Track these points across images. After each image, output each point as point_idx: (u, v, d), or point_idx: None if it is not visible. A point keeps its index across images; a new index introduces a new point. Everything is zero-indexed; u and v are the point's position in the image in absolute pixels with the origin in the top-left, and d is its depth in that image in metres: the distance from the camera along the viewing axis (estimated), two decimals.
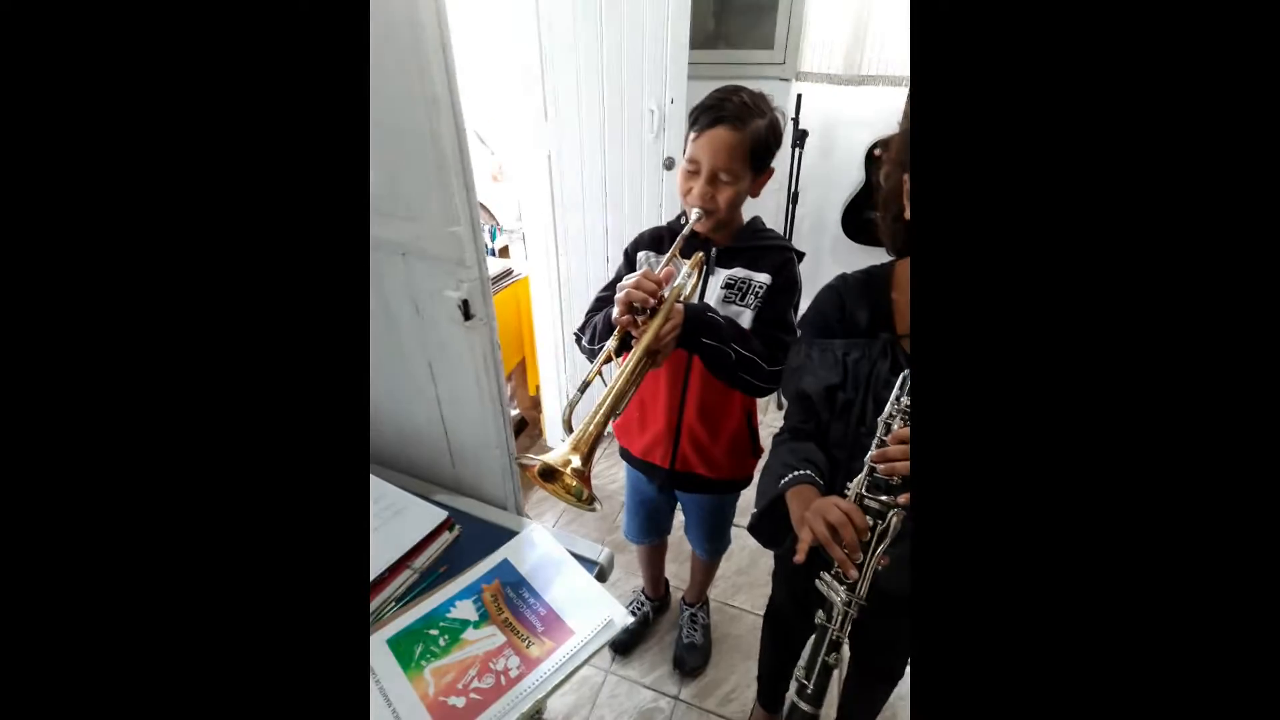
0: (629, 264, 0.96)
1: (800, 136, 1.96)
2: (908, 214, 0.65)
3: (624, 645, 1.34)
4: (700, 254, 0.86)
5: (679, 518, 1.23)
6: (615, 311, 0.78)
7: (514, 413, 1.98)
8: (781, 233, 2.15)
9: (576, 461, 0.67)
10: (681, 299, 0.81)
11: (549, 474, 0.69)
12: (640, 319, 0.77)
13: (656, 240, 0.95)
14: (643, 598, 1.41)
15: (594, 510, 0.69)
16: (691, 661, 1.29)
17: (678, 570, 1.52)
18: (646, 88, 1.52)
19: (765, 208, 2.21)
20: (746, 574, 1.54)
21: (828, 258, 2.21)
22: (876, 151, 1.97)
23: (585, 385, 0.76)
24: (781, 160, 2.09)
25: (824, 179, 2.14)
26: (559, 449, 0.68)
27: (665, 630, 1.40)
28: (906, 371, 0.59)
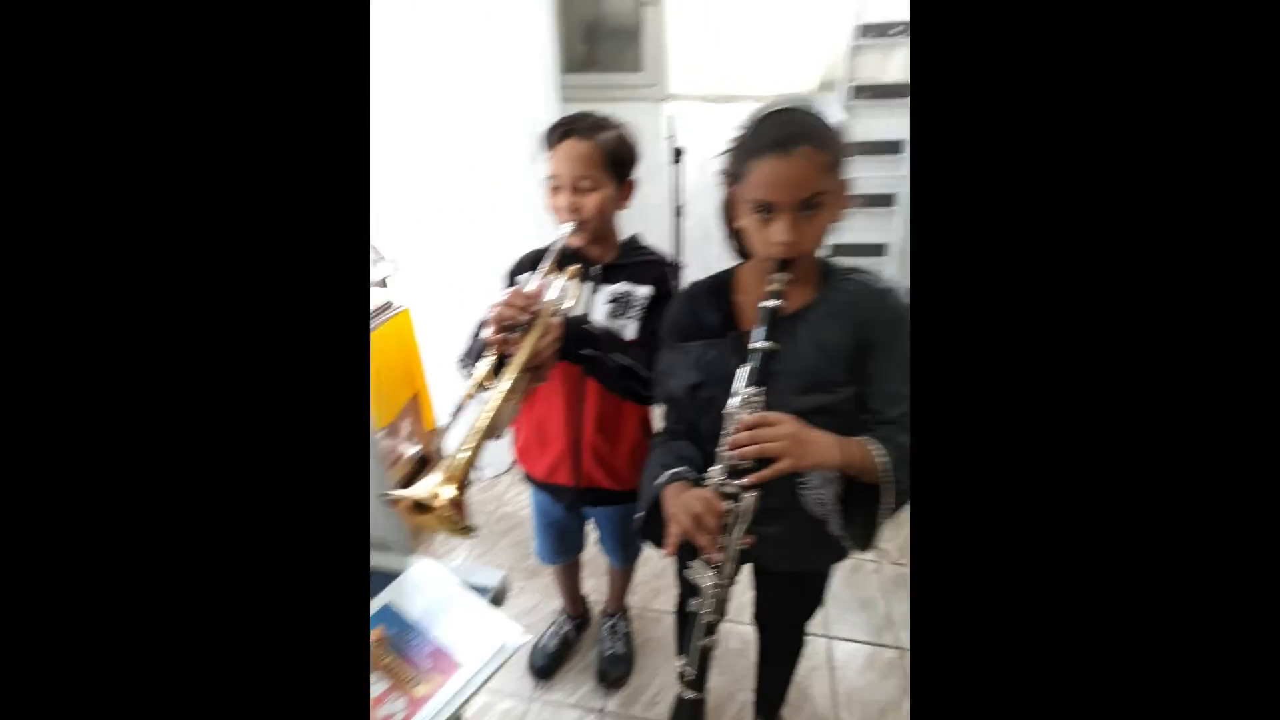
0: (511, 287, 0.97)
1: (677, 154, 2.06)
2: (735, 223, 0.71)
3: (545, 670, 1.32)
4: (578, 265, 0.89)
5: (593, 533, 1.24)
6: (488, 332, 0.79)
7: (415, 450, 1.90)
8: (671, 247, 2.25)
9: (449, 491, 0.66)
10: (562, 312, 0.83)
11: (422, 506, 0.68)
12: (514, 336, 0.77)
13: (536, 261, 0.96)
14: (563, 619, 1.39)
15: (472, 537, 0.69)
16: (615, 672, 1.29)
17: (598, 584, 1.52)
18: (519, 113, 1.54)
19: (654, 224, 2.30)
20: (663, 576, 1.57)
21: (716, 265, 2.34)
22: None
23: (458, 410, 0.76)
24: (663, 177, 2.20)
25: (706, 194, 2.26)
26: (428, 479, 0.67)
27: (588, 647, 1.39)
28: (748, 364, 0.64)
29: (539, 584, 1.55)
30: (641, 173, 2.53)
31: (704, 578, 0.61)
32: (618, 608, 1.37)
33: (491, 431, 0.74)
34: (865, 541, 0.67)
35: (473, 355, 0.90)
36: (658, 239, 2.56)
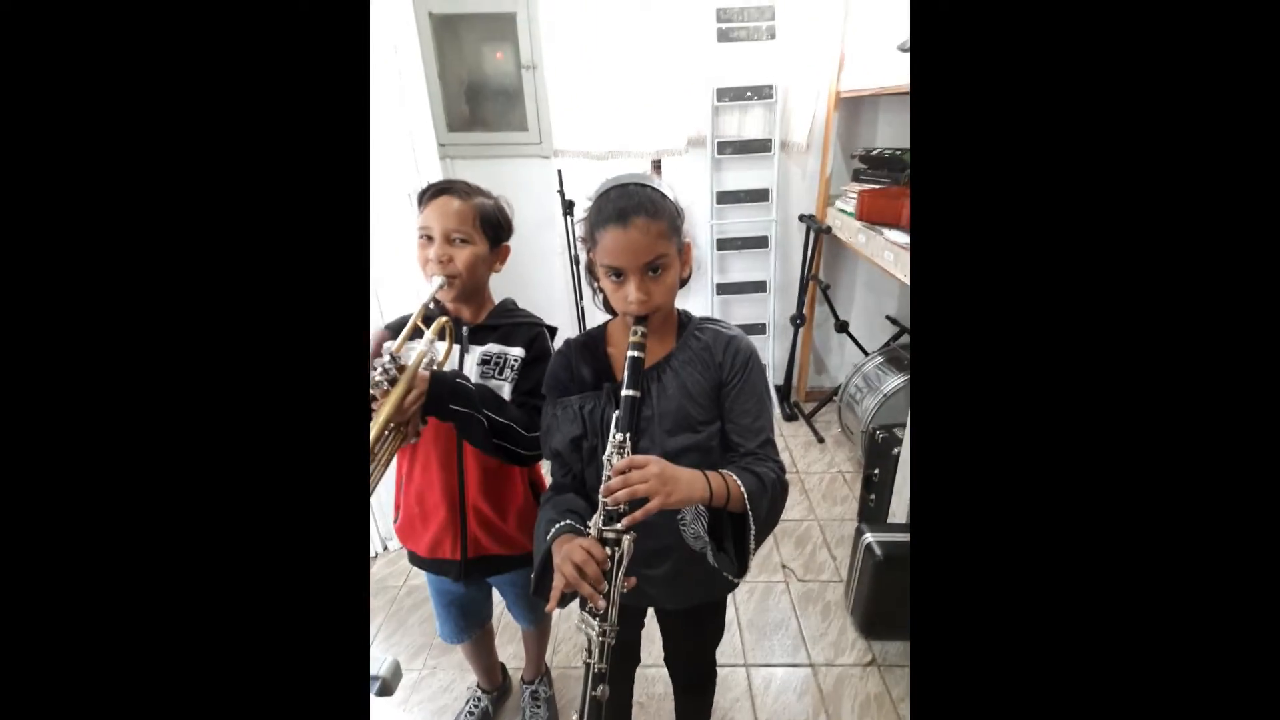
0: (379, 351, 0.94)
1: (568, 206, 2.15)
2: (598, 284, 0.76)
3: None
4: (444, 319, 0.87)
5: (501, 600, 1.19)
6: None
7: None
8: (571, 291, 2.30)
9: None
10: (432, 368, 0.82)
11: None
12: (377, 393, 0.76)
13: (400, 326, 0.94)
14: (479, 694, 1.31)
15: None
16: None
17: (515, 651, 1.45)
18: (398, 174, 1.54)
19: (552, 269, 2.35)
20: None
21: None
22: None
23: None
24: (557, 230, 2.26)
25: None
26: None
27: (509, 717, 1.32)
28: (617, 412, 0.68)
29: (452, 660, 1.46)
30: (537, 219, 2.60)
31: (591, 627, 0.62)
32: (536, 673, 1.31)
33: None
34: (740, 569, 0.72)
35: None
36: (558, 283, 2.63)
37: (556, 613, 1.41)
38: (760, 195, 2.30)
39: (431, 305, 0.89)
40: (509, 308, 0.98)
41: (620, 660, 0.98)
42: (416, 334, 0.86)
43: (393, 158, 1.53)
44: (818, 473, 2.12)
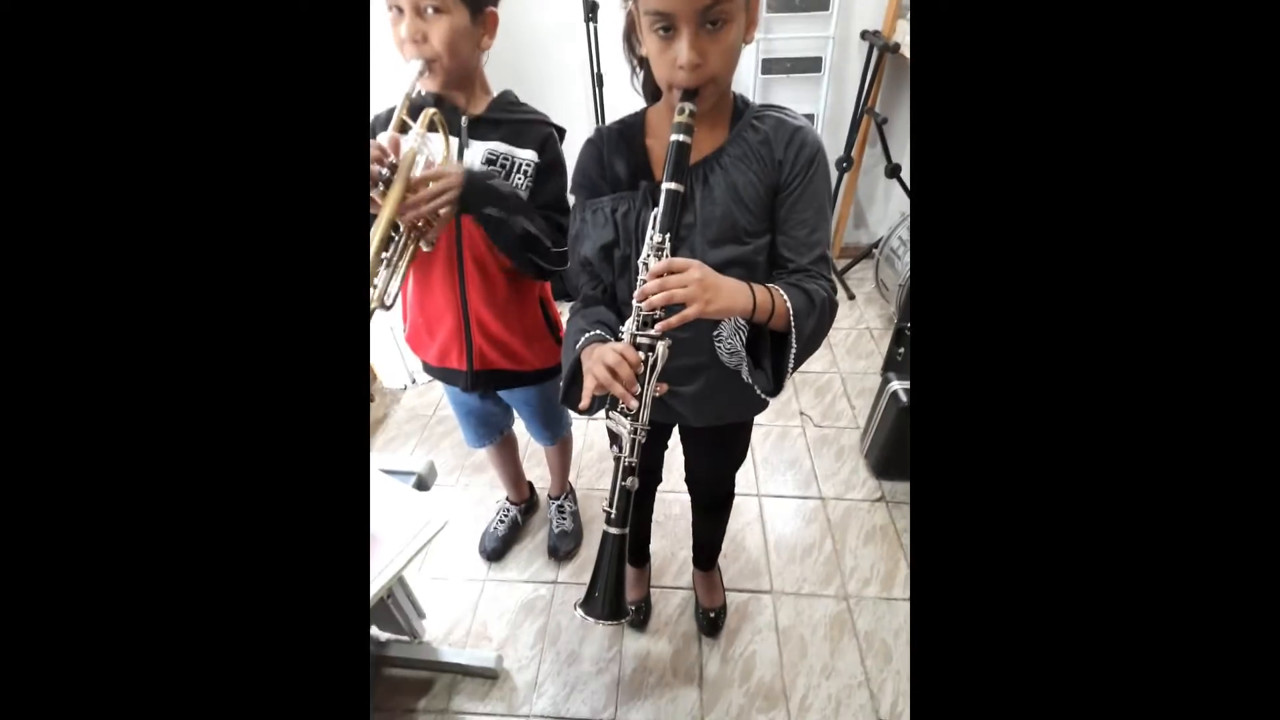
0: None
1: (592, 9, 1.83)
2: (640, 51, 0.63)
3: (497, 552, 1.37)
4: (432, 110, 0.76)
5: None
6: None
7: None
8: (593, 119, 2.07)
9: None
10: (421, 163, 0.73)
11: None
12: (377, 193, 0.68)
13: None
14: (508, 505, 1.43)
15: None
16: (564, 547, 1.36)
17: (542, 473, 1.55)
18: None
19: (570, 93, 2.10)
20: (608, 458, 1.62)
21: None
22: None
23: None
24: (577, 37, 1.96)
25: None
26: None
27: (537, 528, 1.45)
28: (656, 210, 0.60)
29: (485, 478, 1.57)
30: (554, 29, 2.28)
31: (622, 425, 0.61)
32: (562, 489, 1.41)
33: (379, 300, 0.68)
34: (775, 388, 0.68)
35: None
36: (577, 108, 2.36)
37: (577, 429, 1.48)
38: (818, 3, 1.93)
39: (417, 95, 0.77)
40: (511, 100, 0.86)
41: (643, 478, 1.02)
42: (404, 129, 0.75)
43: None
44: (845, 328, 2.07)
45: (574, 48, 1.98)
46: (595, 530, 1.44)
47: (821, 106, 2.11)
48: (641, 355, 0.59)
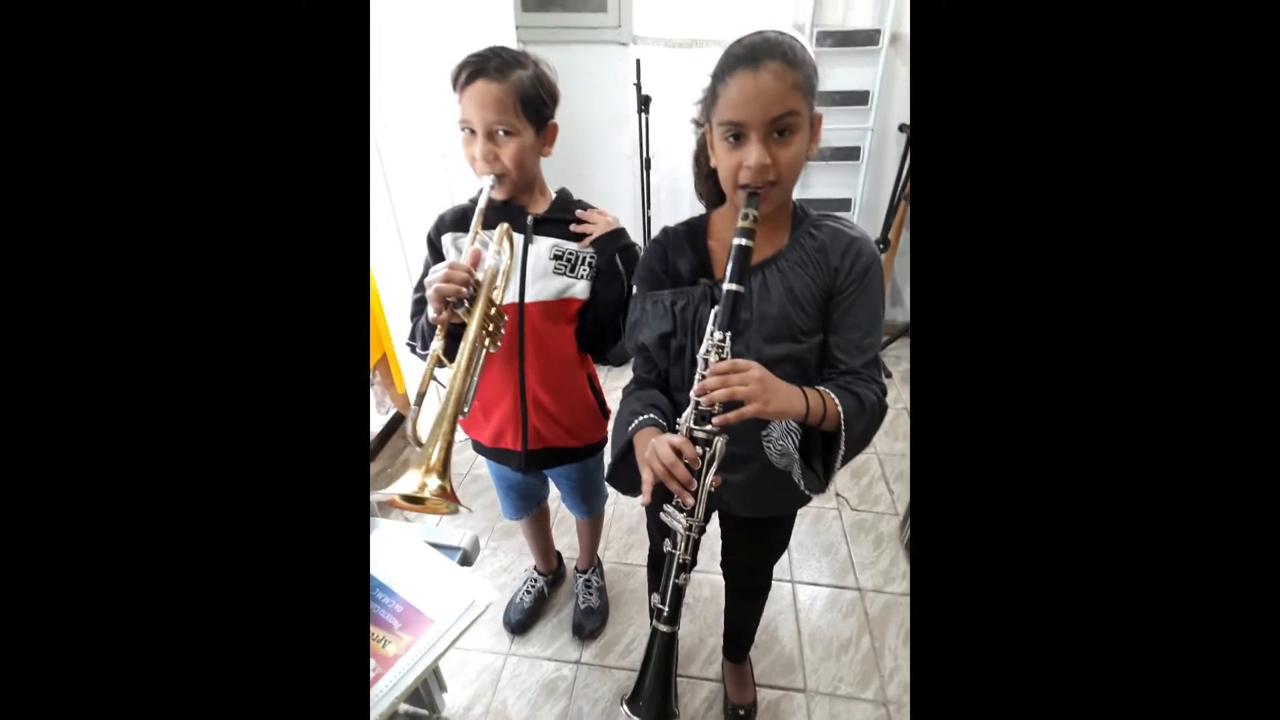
0: (434, 251, 0.90)
1: (645, 102, 1.98)
2: (711, 164, 0.68)
3: (521, 625, 1.33)
4: (505, 225, 0.82)
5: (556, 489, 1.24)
6: (431, 312, 0.74)
7: (390, 410, 1.85)
8: (640, 201, 2.19)
9: (434, 483, 0.65)
10: (500, 275, 0.79)
11: (413, 499, 0.66)
12: (461, 310, 0.74)
13: (460, 219, 0.89)
14: (535, 575, 1.40)
15: (461, 512, 0.68)
16: (589, 625, 1.32)
17: (570, 542, 1.53)
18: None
19: (619, 176, 2.23)
20: (636, 531, 1.59)
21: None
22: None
23: (420, 398, 0.73)
24: (629, 128, 2.12)
25: (675, 145, 2.20)
26: (410, 475, 0.65)
27: (563, 601, 1.41)
28: (716, 308, 0.63)
29: (513, 544, 1.55)
30: (608, 119, 2.45)
31: (677, 520, 0.61)
32: (589, 563, 1.38)
33: (457, 410, 0.71)
34: (822, 486, 0.68)
35: (420, 337, 0.86)
36: (625, 191, 2.50)
37: (610, 506, 1.47)
38: (859, 98, 2.05)
39: (485, 204, 0.83)
40: (568, 199, 0.92)
41: None
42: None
43: (471, 42, 1.43)
44: None
45: (625, 135, 2.13)
46: (621, 607, 1.39)
47: (859, 192, 2.19)
48: (699, 450, 0.60)
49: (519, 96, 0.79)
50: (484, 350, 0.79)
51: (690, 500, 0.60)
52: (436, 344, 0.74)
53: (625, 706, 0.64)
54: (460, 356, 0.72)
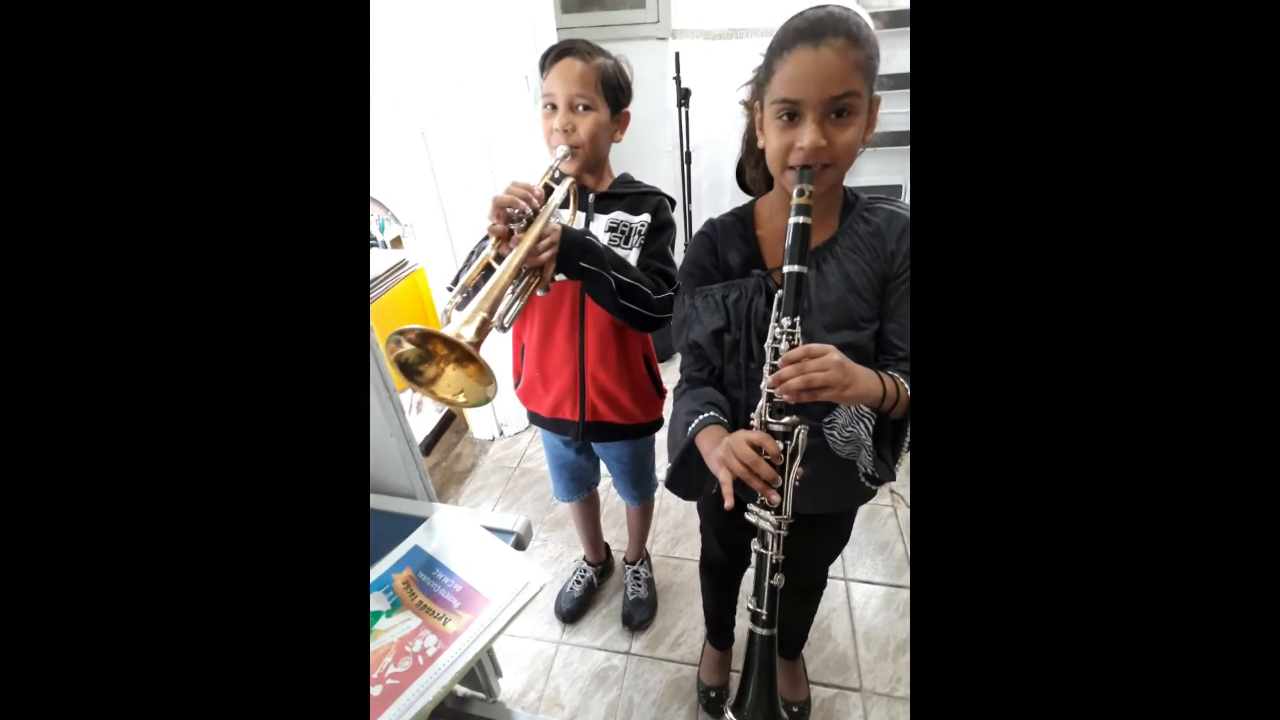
0: None
1: (684, 95, 1.97)
2: (760, 144, 0.66)
3: (572, 614, 1.35)
4: (571, 180, 0.86)
5: (607, 476, 1.25)
6: (489, 221, 0.74)
7: (443, 406, 1.90)
8: (680, 194, 2.18)
9: (470, 332, 0.58)
10: (558, 208, 0.81)
11: (427, 373, 0.61)
12: (515, 228, 0.72)
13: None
14: (585, 565, 1.42)
15: (490, 394, 0.60)
16: (639, 616, 1.33)
17: (618, 534, 1.55)
18: (515, 55, 1.46)
19: (660, 170, 2.22)
20: (684, 526, 1.59)
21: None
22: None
23: (457, 283, 0.74)
24: (669, 121, 2.11)
25: (715, 137, 2.18)
26: (447, 327, 0.59)
27: (612, 593, 1.42)
28: (779, 293, 0.60)
29: (563, 535, 1.58)
30: (649, 114, 2.45)
31: (766, 520, 0.60)
32: (639, 554, 1.39)
33: (495, 313, 0.63)
34: (893, 474, 0.66)
35: (461, 269, 0.88)
36: (666, 186, 2.51)
37: (656, 500, 1.46)
38: (907, 82, 1.99)
39: (555, 175, 0.86)
40: (629, 179, 0.97)
41: (733, 559, 0.99)
42: (548, 192, 0.83)
43: (512, 43, 1.45)
44: None
45: (665, 131, 2.12)
46: (669, 600, 1.40)
47: (908, 178, 2.12)
48: (780, 445, 0.59)
49: (600, 76, 0.86)
50: (533, 285, 0.76)
51: (777, 497, 0.59)
52: (490, 249, 0.73)
53: (730, 713, 0.64)
54: (509, 261, 0.68)
